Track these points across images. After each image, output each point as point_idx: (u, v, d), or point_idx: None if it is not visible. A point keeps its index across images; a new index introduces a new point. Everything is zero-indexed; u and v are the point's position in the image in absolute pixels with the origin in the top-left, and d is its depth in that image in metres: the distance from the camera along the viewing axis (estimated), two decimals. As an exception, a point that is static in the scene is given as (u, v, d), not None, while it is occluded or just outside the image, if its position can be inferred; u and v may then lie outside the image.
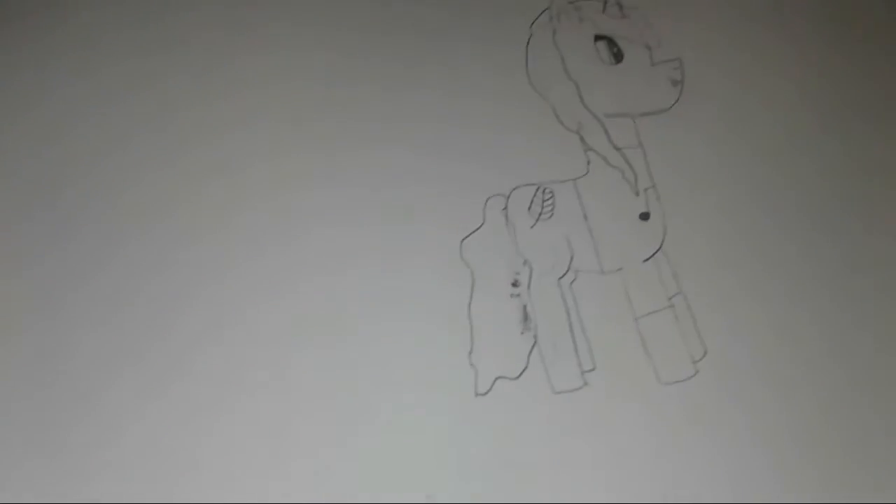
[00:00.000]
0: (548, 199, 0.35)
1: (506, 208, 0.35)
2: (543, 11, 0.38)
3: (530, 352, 0.33)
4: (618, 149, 0.36)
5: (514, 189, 0.35)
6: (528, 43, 0.38)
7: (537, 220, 0.35)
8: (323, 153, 0.36)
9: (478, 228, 0.34)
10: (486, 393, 0.32)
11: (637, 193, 0.35)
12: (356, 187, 0.35)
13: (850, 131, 0.35)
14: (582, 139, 0.36)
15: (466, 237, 0.34)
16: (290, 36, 0.37)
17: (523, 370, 0.33)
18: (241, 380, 0.33)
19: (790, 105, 0.36)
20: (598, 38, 0.38)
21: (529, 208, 0.35)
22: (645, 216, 0.35)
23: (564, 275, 0.34)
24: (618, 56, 0.38)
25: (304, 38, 0.37)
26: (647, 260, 0.34)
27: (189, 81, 0.36)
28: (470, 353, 0.33)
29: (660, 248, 0.34)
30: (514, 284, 0.34)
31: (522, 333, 0.33)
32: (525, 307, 0.33)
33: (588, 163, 0.36)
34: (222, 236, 0.35)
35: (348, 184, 0.35)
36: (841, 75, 0.35)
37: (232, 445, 0.32)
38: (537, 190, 0.35)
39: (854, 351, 0.33)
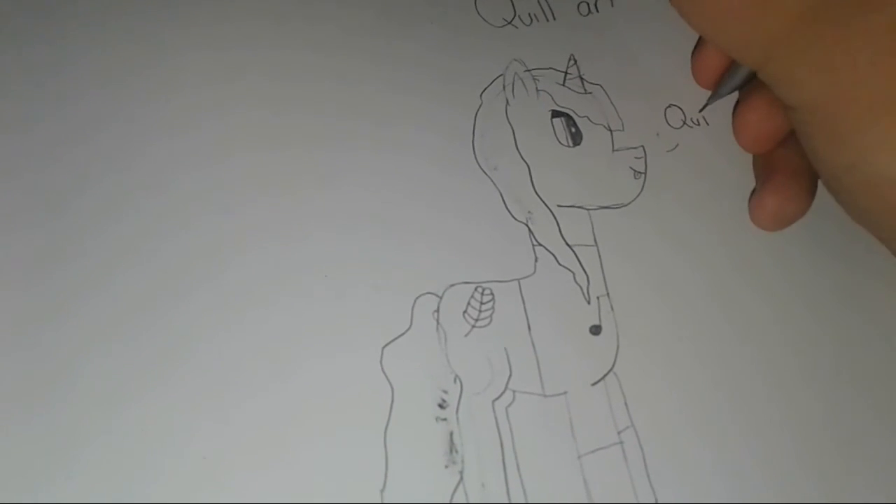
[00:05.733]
0: (486, 303, 0.30)
1: (437, 310, 0.29)
2: (496, 78, 0.33)
3: (454, 492, 0.27)
4: (570, 246, 0.31)
5: (448, 287, 0.30)
6: (476, 113, 0.33)
7: (473, 326, 0.29)
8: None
9: (403, 333, 0.29)
10: (396, 540, 0.27)
11: (589, 301, 0.30)
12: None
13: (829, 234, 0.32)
14: (530, 231, 0.31)
15: (388, 343, 0.29)
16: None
17: (443, 514, 0.27)
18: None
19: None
20: (555, 114, 0.33)
21: (465, 312, 0.29)
22: (596, 329, 0.30)
23: (500, 396, 0.29)
24: (576, 137, 0.33)
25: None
26: (596, 383, 0.29)
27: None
28: (382, 490, 0.27)
29: (611, 369, 0.29)
30: (441, 406, 0.28)
31: (447, 467, 0.27)
32: (451, 435, 0.28)
33: (535, 260, 0.31)
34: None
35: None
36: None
37: None
38: (475, 290, 0.30)
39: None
